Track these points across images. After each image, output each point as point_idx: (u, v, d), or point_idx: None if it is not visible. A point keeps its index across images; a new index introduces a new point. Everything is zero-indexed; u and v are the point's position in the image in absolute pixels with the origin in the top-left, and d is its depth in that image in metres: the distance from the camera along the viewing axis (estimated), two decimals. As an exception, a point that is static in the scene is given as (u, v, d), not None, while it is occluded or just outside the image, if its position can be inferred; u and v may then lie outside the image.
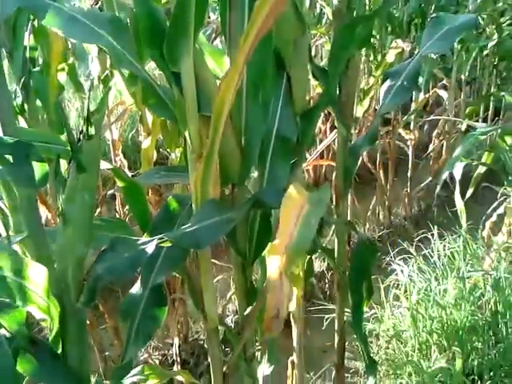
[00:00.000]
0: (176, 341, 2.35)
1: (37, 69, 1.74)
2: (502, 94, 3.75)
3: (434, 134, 4.25)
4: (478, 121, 4.43)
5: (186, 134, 0.92)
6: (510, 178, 2.50)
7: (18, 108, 1.71)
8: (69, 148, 0.82)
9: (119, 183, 1.16)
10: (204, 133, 0.93)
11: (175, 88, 0.88)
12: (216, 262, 2.38)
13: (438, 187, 2.87)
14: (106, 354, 2.11)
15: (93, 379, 2.41)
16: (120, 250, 0.81)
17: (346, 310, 1.50)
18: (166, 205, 1.08)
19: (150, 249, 0.80)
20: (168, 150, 1.98)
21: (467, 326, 2.11)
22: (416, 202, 4.05)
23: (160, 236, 0.81)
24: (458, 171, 2.27)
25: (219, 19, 0.93)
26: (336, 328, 1.58)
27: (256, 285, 1.13)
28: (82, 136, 0.84)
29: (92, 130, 0.85)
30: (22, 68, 1.60)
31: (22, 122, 1.78)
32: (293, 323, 1.50)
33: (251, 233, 1.01)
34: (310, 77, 1.19)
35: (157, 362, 2.42)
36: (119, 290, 2.54)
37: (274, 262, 0.72)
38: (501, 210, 2.65)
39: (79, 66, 2.36)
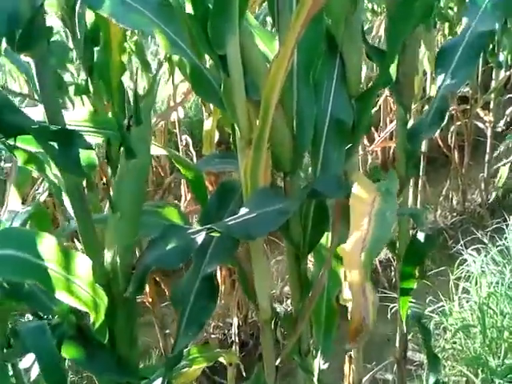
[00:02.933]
0: (235, 321, 2.36)
1: (98, 48, 1.74)
2: None
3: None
4: None
5: (235, 119, 0.88)
6: None
7: (82, 87, 1.74)
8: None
9: (180, 170, 1.15)
10: (253, 118, 0.89)
11: (222, 72, 0.84)
12: (278, 241, 2.35)
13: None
14: (167, 331, 2.16)
15: (154, 355, 2.50)
16: (170, 238, 0.79)
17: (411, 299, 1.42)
18: (218, 190, 1.05)
19: (199, 238, 0.77)
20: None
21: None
22: (493, 187, 3.80)
23: (209, 226, 0.79)
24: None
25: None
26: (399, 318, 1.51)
27: (310, 276, 1.08)
28: (130, 121, 0.82)
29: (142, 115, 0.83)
30: (84, 47, 1.61)
31: (86, 102, 1.82)
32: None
33: (305, 222, 0.96)
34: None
35: (216, 341, 2.44)
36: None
37: (352, 267, 0.67)
38: None
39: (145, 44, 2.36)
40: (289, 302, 2.63)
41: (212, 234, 0.81)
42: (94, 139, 0.89)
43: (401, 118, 1.06)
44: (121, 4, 0.82)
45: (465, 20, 1.26)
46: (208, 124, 2.00)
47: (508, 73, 3.55)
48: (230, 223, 0.80)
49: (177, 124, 2.88)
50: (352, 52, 0.94)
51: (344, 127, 0.95)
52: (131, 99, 0.84)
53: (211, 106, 1.97)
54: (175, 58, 1.89)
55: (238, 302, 2.39)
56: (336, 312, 1.16)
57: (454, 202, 3.68)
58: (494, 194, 3.74)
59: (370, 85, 1.01)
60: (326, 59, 0.93)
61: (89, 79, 1.69)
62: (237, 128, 0.89)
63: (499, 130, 4.09)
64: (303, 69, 0.87)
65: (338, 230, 0.97)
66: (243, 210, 0.83)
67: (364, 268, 0.71)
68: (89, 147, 0.78)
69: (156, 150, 1.12)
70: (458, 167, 3.53)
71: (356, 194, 0.80)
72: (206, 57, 1.02)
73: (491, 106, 3.57)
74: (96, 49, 1.68)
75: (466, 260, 2.49)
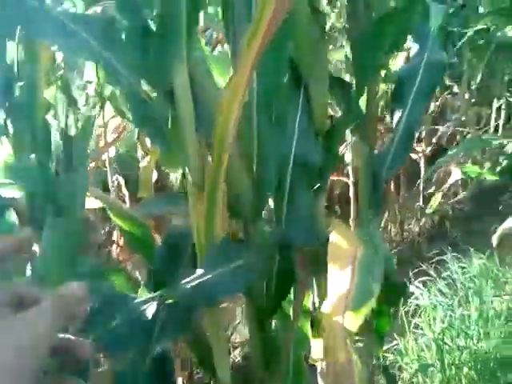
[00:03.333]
0: (179, 381, 2.16)
1: (21, 83, 1.56)
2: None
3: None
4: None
5: (184, 161, 0.75)
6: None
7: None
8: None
9: (117, 222, 0.98)
10: (206, 160, 0.76)
11: (167, 105, 0.70)
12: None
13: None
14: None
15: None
16: (113, 312, 0.63)
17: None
18: (166, 242, 0.90)
19: (149, 311, 0.62)
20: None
21: (499, 357, 1.92)
22: (429, 216, 3.85)
23: (160, 293, 0.64)
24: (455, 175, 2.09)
25: (220, 18, 0.76)
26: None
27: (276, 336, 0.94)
28: (58, 168, 0.67)
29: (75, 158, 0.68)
30: (5, 82, 1.43)
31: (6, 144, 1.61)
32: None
33: (269, 279, 0.83)
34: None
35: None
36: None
37: (333, 330, 0.55)
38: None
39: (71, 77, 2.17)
40: (239, 351, 2.45)
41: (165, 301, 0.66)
42: (12, 192, 0.71)
43: (365, 155, 0.97)
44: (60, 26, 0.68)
45: (415, 46, 1.20)
46: (145, 163, 1.84)
47: (437, 103, 3.66)
48: (185, 287, 0.66)
49: (107, 162, 2.67)
50: (318, 83, 0.84)
51: (312, 167, 0.84)
52: (58, 141, 0.68)
53: (148, 142, 1.82)
54: (106, 91, 1.73)
55: (181, 360, 2.19)
56: (304, 373, 1.03)
57: (393, 234, 3.68)
58: (429, 222, 3.78)
59: (337, 121, 0.92)
60: (290, 90, 0.82)
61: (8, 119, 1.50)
62: (187, 171, 0.76)
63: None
64: (264, 101, 0.75)
65: (304, 285, 0.85)
66: (199, 271, 0.69)
67: (347, 334, 0.60)
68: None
69: (90, 202, 0.95)
70: (395, 199, 3.55)
71: (335, 243, 0.68)
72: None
73: (423, 135, 3.64)
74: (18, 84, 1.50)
75: (413, 293, 2.44)
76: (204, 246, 0.75)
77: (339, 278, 0.64)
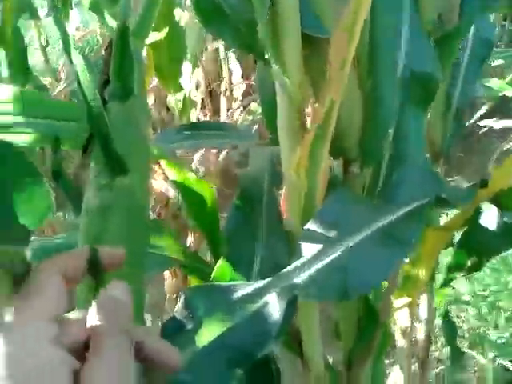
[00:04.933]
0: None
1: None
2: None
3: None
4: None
5: (277, 69, 0.50)
6: None
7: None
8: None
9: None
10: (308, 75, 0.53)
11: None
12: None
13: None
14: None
15: None
16: (213, 315, 0.42)
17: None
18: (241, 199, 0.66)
19: (273, 309, 0.41)
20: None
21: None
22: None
23: (284, 285, 0.42)
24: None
25: None
26: None
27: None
28: (106, 92, 0.42)
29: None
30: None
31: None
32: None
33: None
34: None
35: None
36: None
37: None
38: None
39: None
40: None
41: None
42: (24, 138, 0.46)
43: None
44: None
45: None
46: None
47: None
48: (310, 275, 0.44)
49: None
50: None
51: (429, 83, 0.61)
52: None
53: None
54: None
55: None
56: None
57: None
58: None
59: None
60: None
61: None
62: (280, 89, 0.52)
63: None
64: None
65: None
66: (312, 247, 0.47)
67: None
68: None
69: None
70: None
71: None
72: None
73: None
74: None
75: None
76: (308, 205, 0.53)
77: None
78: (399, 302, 0.88)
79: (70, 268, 0.35)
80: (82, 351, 0.32)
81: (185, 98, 1.47)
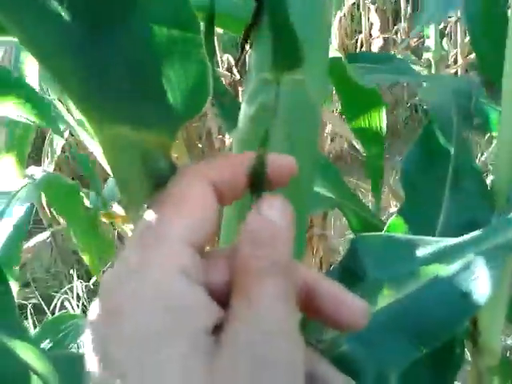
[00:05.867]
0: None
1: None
2: None
3: None
4: None
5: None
6: None
7: None
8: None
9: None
10: None
11: None
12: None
13: None
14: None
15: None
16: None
17: None
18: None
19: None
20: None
21: None
22: None
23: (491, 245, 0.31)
24: None
25: None
26: None
27: None
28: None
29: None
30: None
31: None
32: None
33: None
34: None
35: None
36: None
37: None
38: None
39: None
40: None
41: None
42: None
43: None
44: None
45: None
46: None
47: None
48: None
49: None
50: None
51: None
52: None
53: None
54: None
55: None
56: None
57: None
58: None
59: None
60: None
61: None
62: None
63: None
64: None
65: None
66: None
67: None
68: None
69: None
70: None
71: None
72: None
73: None
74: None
75: None
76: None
77: None
78: None
79: (226, 177, 0.24)
80: (225, 296, 0.22)
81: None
